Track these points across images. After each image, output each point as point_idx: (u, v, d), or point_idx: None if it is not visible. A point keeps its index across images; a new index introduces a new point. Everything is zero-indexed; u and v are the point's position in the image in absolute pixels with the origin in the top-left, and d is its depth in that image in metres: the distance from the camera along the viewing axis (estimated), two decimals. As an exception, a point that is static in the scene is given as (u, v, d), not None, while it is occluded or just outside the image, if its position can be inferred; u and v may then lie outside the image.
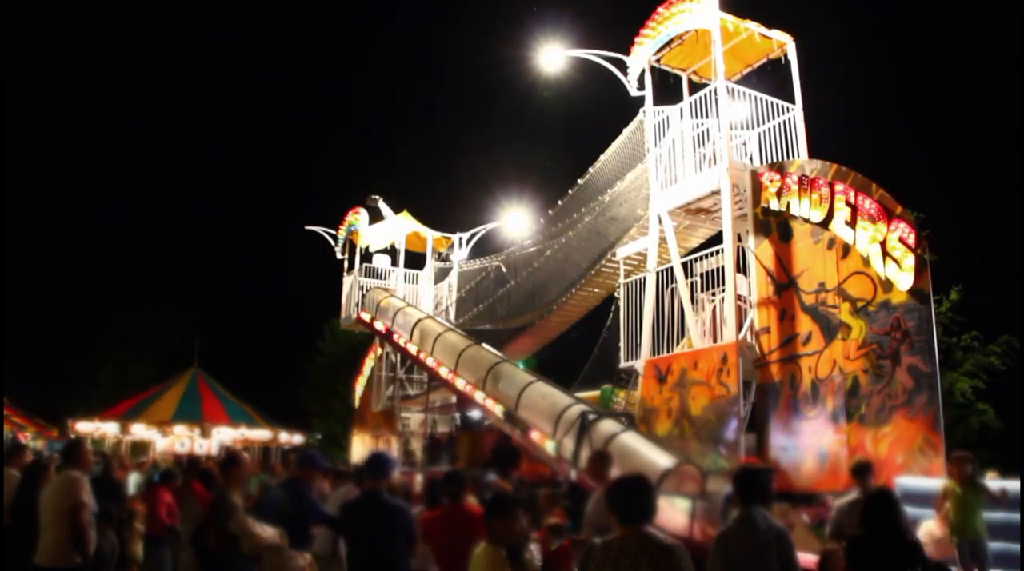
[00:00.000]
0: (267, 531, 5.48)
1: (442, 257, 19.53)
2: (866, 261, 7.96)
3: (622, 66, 11.64)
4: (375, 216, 19.53)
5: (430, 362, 13.94)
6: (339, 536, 5.77)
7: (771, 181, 9.16)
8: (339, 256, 19.84)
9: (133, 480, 12.21)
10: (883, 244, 7.75)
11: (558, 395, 10.72)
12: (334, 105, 70.28)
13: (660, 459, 8.29)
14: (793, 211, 8.84)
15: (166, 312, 39.82)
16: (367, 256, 19.29)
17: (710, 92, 10.30)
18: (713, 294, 10.25)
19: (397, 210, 19.65)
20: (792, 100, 10.19)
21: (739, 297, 9.50)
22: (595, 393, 12.91)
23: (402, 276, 19.12)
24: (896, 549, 4.42)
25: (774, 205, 9.10)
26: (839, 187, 8.29)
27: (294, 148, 69.39)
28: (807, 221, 8.67)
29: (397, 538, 4.94)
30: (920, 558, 4.44)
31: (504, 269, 16.40)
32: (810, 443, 8.28)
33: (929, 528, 6.54)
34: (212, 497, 6.16)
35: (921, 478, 7.04)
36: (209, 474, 7.84)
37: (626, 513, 3.47)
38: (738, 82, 10.54)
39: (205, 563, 6.03)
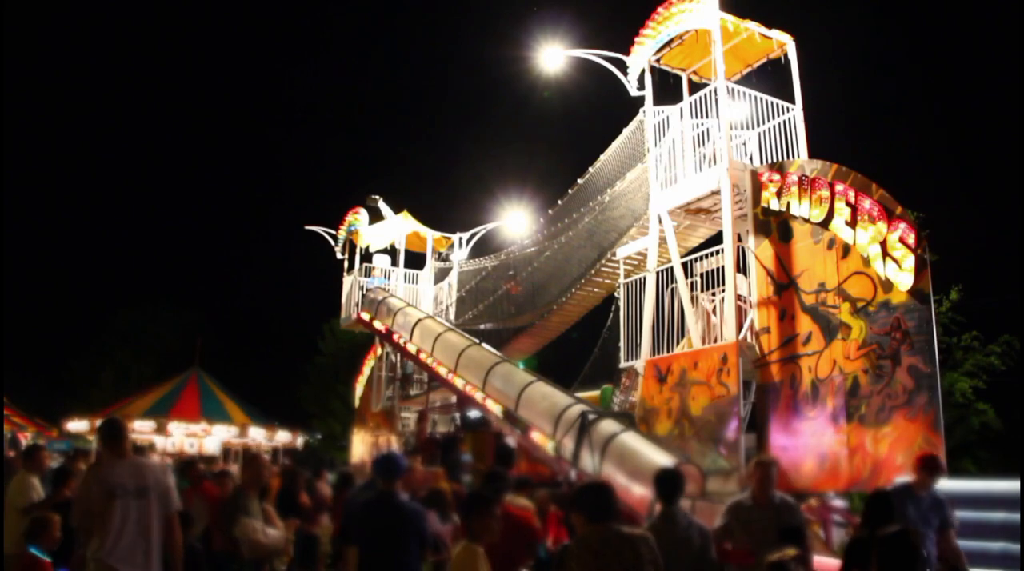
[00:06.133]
0: (271, 536, 5.48)
1: (442, 257, 19.53)
2: (866, 261, 7.95)
3: (622, 66, 11.64)
4: (375, 216, 19.53)
5: (430, 362, 13.95)
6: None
7: (771, 181, 9.16)
8: (339, 256, 19.84)
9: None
10: (883, 244, 7.74)
11: (558, 395, 10.73)
12: (335, 105, 70.38)
13: (660, 459, 8.28)
14: (793, 211, 8.84)
15: (166, 312, 39.83)
16: (367, 256, 19.30)
17: (710, 92, 10.29)
18: (713, 294, 10.24)
19: (397, 210, 19.65)
20: (792, 100, 10.18)
21: (739, 297, 9.50)
22: (595, 393, 12.91)
23: (402, 276, 19.13)
24: (899, 548, 4.44)
25: (774, 205, 9.09)
26: (839, 187, 8.29)
27: (294, 147, 69.49)
28: (807, 221, 8.66)
29: (410, 542, 4.82)
30: (921, 557, 4.46)
31: (497, 284, 16.42)
32: (810, 443, 8.27)
33: None
34: (222, 499, 6.15)
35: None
36: (225, 475, 7.88)
37: (594, 512, 3.86)
38: (738, 82, 10.53)
39: (211, 565, 6.03)
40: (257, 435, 23.69)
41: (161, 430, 22.21)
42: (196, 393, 24.16)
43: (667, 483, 4.66)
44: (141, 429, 22.21)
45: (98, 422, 22.26)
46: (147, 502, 4.41)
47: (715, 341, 9.84)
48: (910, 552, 3.92)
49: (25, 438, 21.94)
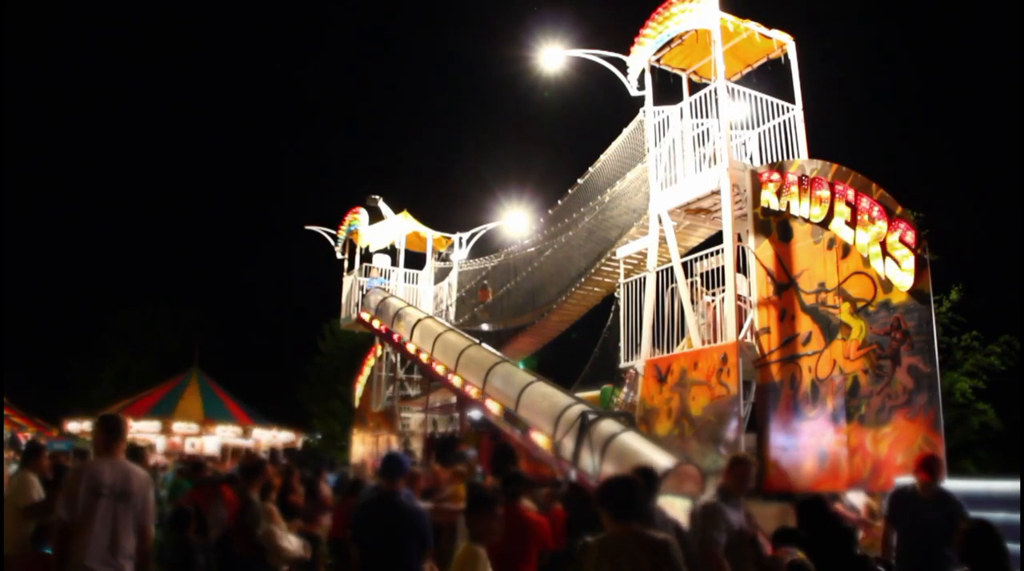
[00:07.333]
0: (293, 543, 5.47)
1: (442, 257, 19.53)
2: (866, 261, 7.95)
3: (622, 66, 11.64)
4: (375, 216, 19.54)
5: (431, 362, 13.93)
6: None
7: (771, 181, 9.16)
8: (339, 256, 19.85)
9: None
10: (883, 244, 7.74)
11: (558, 395, 10.72)
12: (335, 105, 70.39)
13: (660, 459, 8.28)
14: (793, 211, 8.84)
15: (166, 312, 39.83)
16: (367, 256, 19.30)
17: (710, 92, 10.29)
18: (713, 294, 10.24)
19: (397, 210, 19.66)
20: (792, 100, 10.18)
21: (739, 297, 9.49)
22: (595, 393, 12.90)
23: (402, 276, 19.13)
24: (984, 539, 4.27)
25: (774, 205, 9.09)
26: (839, 187, 8.29)
27: (295, 148, 69.50)
28: (807, 221, 8.66)
29: (409, 543, 4.79)
30: (868, 566, 4.40)
31: (490, 288, 16.43)
32: (810, 443, 8.27)
33: None
34: (240, 503, 6.10)
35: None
36: (232, 478, 7.78)
37: (619, 510, 3.54)
38: (738, 82, 10.53)
39: (229, 569, 5.95)
40: (259, 435, 23.75)
41: (247, 435, 22.53)
42: (228, 396, 24.36)
43: (644, 482, 4.52)
44: (187, 431, 22.43)
45: (135, 421, 22.36)
46: (126, 506, 4.45)
47: (714, 341, 9.84)
48: (995, 543, 3.61)
49: (25, 438, 21.94)
